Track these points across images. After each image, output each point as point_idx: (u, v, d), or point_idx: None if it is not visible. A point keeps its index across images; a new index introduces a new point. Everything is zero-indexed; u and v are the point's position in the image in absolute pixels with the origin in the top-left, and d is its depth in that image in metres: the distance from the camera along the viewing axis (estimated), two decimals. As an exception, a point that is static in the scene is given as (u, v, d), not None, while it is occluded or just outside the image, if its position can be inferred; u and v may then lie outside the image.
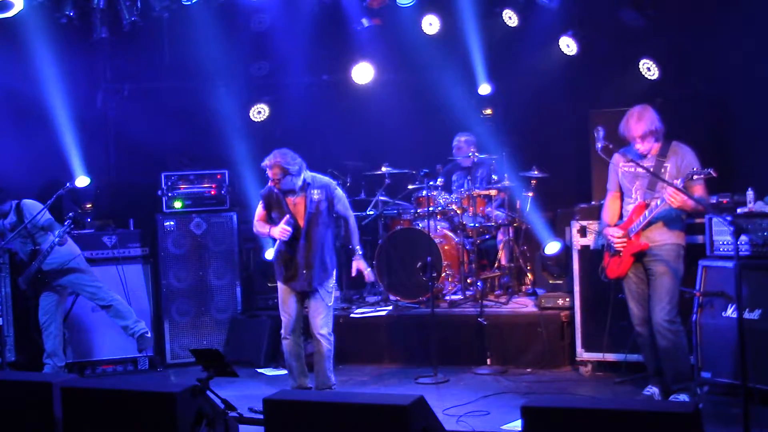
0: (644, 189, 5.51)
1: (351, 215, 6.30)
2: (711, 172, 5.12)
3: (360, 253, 6.28)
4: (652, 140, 5.43)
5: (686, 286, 5.73)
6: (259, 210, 6.19)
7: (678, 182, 5.20)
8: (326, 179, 6.23)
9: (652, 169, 5.41)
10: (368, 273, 6.35)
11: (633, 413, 3.37)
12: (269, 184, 6.02)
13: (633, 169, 5.58)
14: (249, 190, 8.14)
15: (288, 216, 5.98)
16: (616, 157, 5.67)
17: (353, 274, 6.38)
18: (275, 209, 6.09)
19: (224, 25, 8.39)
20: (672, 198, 5.20)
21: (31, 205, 7.04)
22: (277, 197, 6.06)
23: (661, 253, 5.46)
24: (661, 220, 5.45)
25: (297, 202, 6.04)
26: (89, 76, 8.74)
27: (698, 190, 5.34)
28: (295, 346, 6.16)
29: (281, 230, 5.96)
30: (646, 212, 5.42)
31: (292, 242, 6.03)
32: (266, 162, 5.94)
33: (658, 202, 5.33)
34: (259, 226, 6.18)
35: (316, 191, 6.04)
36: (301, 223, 6.01)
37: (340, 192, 6.23)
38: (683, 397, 5.43)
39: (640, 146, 5.45)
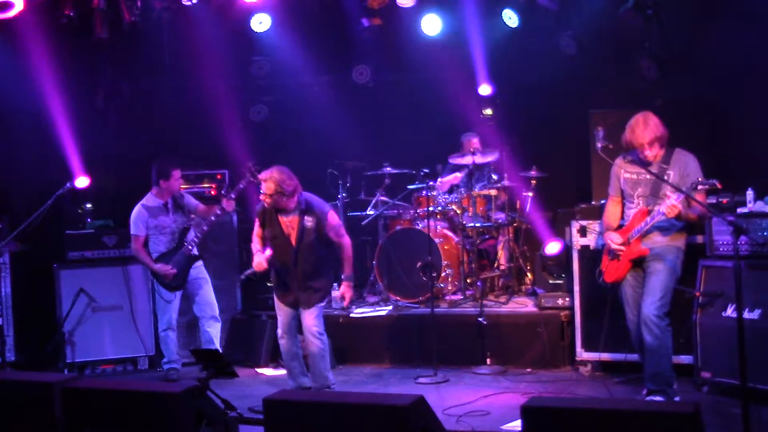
0: (647, 195, 5.45)
1: (345, 242, 6.07)
2: (716, 183, 5.01)
3: (350, 278, 6.12)
4: (658, 146, 5.34)
5: (686, 286, 5.73)
6: (256, 228, 6.17)
7: (675, 197, 5.14)
8: (320, 204, 6.05)
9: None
10: (348, 299, 6.17)
11: (633, 413, 3.36)
12: (261, 198, 5.98)
13: (635, 176, 5.52)
14: (249, 190, 8.12)
15: (271, 251, 5.98)
16: (618, 162, 5.61)
17: (337, 297, 6.31)
18: (268, 227, 6.03)
19: (224, 25, 8.40)
20: (669, 210, 5.17)
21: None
22: (270, 214, 6.01)
23: (661, 252, 5.44)
24: (662, 225, 5.41)
25: (290, 222, 5.98)
26: (89, 76, 8.75)
27: (699, 197, 5.25)
28: (292, 347, 6.13)
29: (258, 263, 6.00)
30: (648, 218, 5.37)
31: (284, 264, 6.02)
32: (262, 175, 5.89)
33: (660, 209, 5.26)
34: (252, 244, 6.19)
35: (309, 219, 5.95)
36: (293, 243, 5.98)
37: (333, 218, 6.05)
38: (659, 399, 5.35)
39: (648, 153, 5.33)
